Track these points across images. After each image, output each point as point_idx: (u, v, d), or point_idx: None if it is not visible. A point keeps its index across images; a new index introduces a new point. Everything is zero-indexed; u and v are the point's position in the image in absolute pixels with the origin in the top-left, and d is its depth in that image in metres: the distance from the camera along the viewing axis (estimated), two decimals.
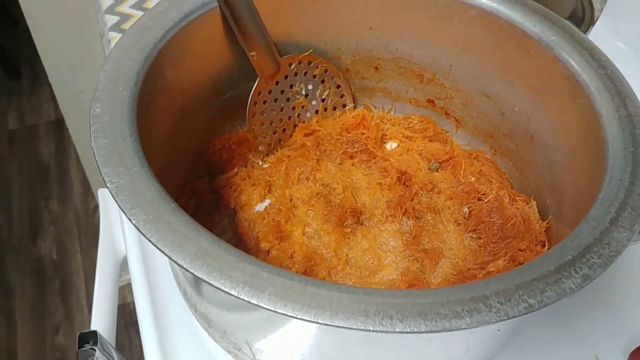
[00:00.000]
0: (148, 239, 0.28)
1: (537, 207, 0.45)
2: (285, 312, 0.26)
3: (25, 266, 1.41)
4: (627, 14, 0.71)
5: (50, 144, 1.70)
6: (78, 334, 0.46)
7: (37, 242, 1.52)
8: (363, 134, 0.51)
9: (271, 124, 0.51)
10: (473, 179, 0.48)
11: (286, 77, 0.50)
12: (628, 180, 0.32)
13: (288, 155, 0.50)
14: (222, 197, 0.48)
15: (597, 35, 0.72)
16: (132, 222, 0.28)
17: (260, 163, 0.51)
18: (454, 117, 0.53)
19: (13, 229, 1.48)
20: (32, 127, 1.77)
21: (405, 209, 0.46)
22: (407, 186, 0.48)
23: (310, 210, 0.46)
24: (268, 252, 0.44)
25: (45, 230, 1.55)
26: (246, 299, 0.26)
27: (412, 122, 0.54)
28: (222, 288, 0.26)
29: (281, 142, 0.52)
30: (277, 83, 0.50)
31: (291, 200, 0.47)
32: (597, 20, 0.73)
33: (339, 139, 0.50)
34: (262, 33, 0.45)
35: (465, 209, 0.46)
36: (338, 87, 0.53)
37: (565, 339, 0.45)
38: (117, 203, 0.29)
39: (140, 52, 0.37)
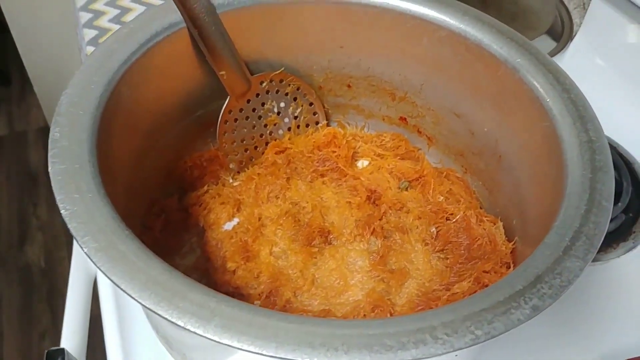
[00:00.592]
0: (98, 268, 0.28)
1: (505, 228, 0.45)
2: (230, 344, 0.26)
3: (13, 273, 1.41)
4: (605, 28, 0.71)
5: (39, 150, 1.70)
6: (45, 352, 0.45)
7: (24, 249, 1.51)
8: (334, 152, 0.51)
9: (242, 142, 0.51)
10: (442, 198, 0.48)
11: (258, 95, 0.50)
12: (584, 208, 0.32)
13: (258, 174, 0.50)
14: (192, 216, 0.48)
15: (576, 51, 0.72)
16: (83, 250, 0.28)
17: (231, 181, 0.51)
18: (426, 135, 0.53)
19: (1, 235, 1.47)
20: (21, 133, 1.77)
21: (374, 229, 0.46)
22: (377, 205, 0.48)
23: (279, 229, 0.46)
24: (234, 272, 0.44)
25: (33, 237, 1.54)
26: (192, 329, 0.26)
27: (384, 139, 0.54)
28: (169, 318, 0.26)
29: (253, 159, 0.52)
30: (248, 101, 0.50)
31: (260, 219, 0.47)
32: (575, 34, 0.74)
33: (310, 156, 0.50)
34: (231, 52, 0.45)
35: (433, 229, 0.46)
36: (311, 104, 0.53)
37: (533, 358, 0.45)
38: (70, 230, 0.29)
39: (104, 75, 0.37)
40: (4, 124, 1.75)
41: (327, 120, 0.55)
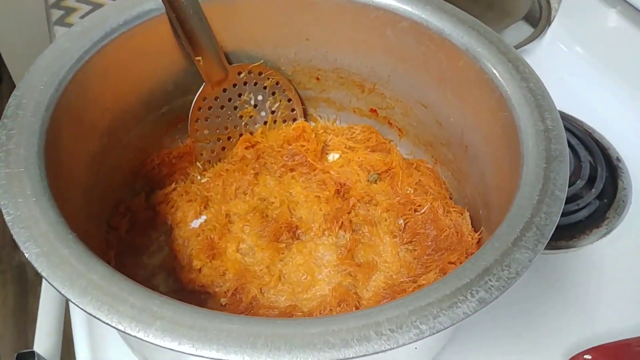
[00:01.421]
0: (39, 273, 0.27)
1: (472, 218, 0.45)
2: (171, 347, 0.25)
3: (7, 272, 1.41)
4: (584, 13, 0.71)
5: None
6: (15, 355, 0.45)
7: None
8: (303, 146, 0.51)
9: (216, 131, 0.51)
10: (410, 190, 0.48)
11: (235, 85, 0.49)
12: (537, 198, 0.32)
13: (227, 169, 0.49)
14: (159, 214, 0.48)
15: (554, 37, 0.72)
16: (25, 255, 0.28)
17: (199, 178, 0.50)
18: (397, 127, 0.53)
19: None
20: None
21: (342, 222, 0.46)
22: (345, 199, 0.48)
23: (246, 225, 0.46)
24: (200, 270, 0.43)
25: None
26: (133, 334, 0.26)
27: (355, 132, 0.53)
28: (110, 323, 0.26)
29: (225, 149, 0.52)
30: (224, 90, 0.49)
31: (227, 215, 0.47)
32: (553, 20, 0.73)
33: (279, 151, 0.50)
34: (209, 38, 0.44)
35: (401, 221, 0.46)
36: (289, 100, 0.53)
37: (503, 346, 0.45)
38: (13, 235, 0.29)
39: (54, 75, 0.37)
40: None
41: (304, 117, 0.54)
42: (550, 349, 0.45)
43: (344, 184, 0.49)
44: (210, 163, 0.51)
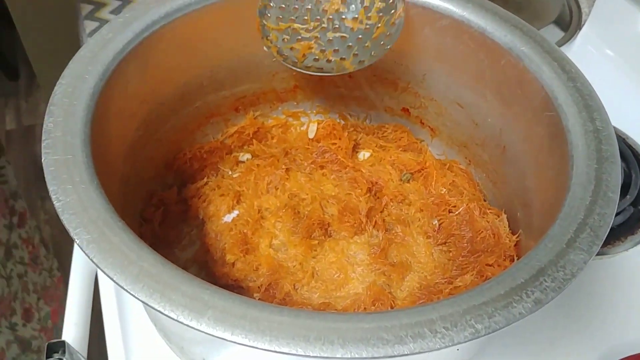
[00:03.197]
0: (91, 259, 0.27)
1: (509, 221, 0.44)
2: (223, 337, 0.25)
3: None
4: (615, 18, 0.70)
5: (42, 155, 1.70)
6: (46, 344, 0.45)
7: None
8: (334, 144, 0.50)
9: (290, 28, 0.42)
10: (444, 190, 0.47)
11: None
12: (589, 199, 0.32)
13: (257, 165, 0.49)
14: (191, 208, 0.47)
15: (584, 41, 0.71)
16: (75, 242, 0.28)
17: (230, 173, 0.50)
18: (429, 127, 0.52)
19: (12, 229, 1.48)
20: (29, 127, 1.77)
21: (375, 221, 0.46)
22: (378, 197, 0.47)
23: (278, 221, 0.46)
24: (233, 264, 0.43)
25: (41, 231, 1.54)
26: (185, 322, 0.25)
27: (386, 131, 0.53)
28: (162, 311, 0.26)
29: (296, 51, 0.42)
30: None
31: (259, 211, 0.46)
32: (584, 24, 0.72)
33: (308, 148, 0.50)
34: None
35: (435, 222, 0.46)
36: None
37: (537, 352, 0.44)
38: (62, 221, 0.29)
39: (98, 64, 0.36)
40: (12, 118, 1.75)
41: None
42: (585, 355, 0.44)
43: (376, 182, 0.49)
44: (278, 53, 0.43)
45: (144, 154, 0.44)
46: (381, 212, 0.47)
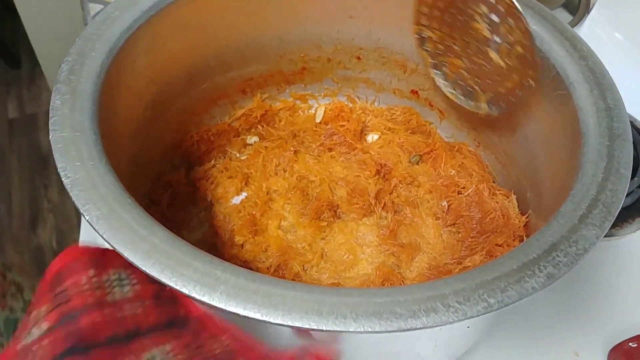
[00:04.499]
0: (100, 235, 0.27)
1: (518, 202, 0.44)
2: (237, 312, 0.25)
3: (25, 254, 1.41)
4: (623, 2, 0.69)
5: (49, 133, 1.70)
6: None
7: (36, 231, 1.51)
8: (343, 126, 0.50)
9: (442, 29, 0.43)
10: (453, 172, 0.47)
11: None
12: (601, 176, 0.31)
13: (265, 147, 0.49)
14: (199, 190, 0.47)
15: (593, 25, 0.70)
16: (85, 218, 0.28)
17: (238, 155, 0.50)
18: (438, 109, 0.52)
19: (13, 217, 1.48)
20: (31, 116, 1.76)
21: (384, 203, 0.45)
22: (387, 179, 0.47)
23: (287, 203, 0.45)
24: (242, 245, 0.43)
25: (44, 219, 1.54)
26: (198, 297, 0.25)
27: (395, 113, 0.52)
28: (174, 286, 0.26)
29: (445, 54, 0.44)
30: None
31: (268, 193, 0.46)
32: (592, 7, 0.71)
33: (316, 131, 0.49)
34: None
35: (444, 203, 0.45)
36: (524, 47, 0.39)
37: (544, 334, 0.44)
38: (72, 198, 0.28)
39: (105, 42, 0.36)
40: (14, 107, 1.75)
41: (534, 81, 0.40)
42: (591, 336, 0.44)
43: (385, 164, 0.48)
44: (433, 57, 0.45)
45: (152, 135, 0.44)
46: (390, 193, 0.46)
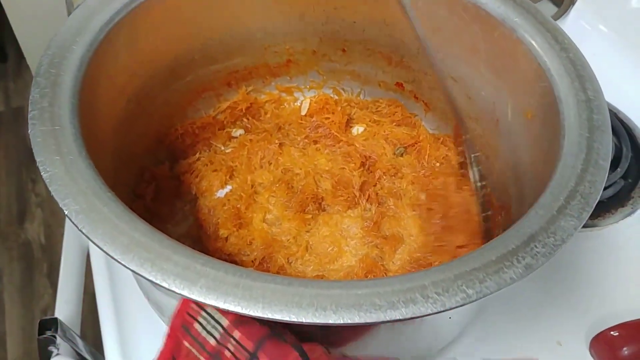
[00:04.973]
0: (80, 230, 0.27)
1: (501, 195, 0.44)
2: (217, 305, 0.25)
3: (13, 249, 1.39)
4: None
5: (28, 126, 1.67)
6: (38, 321, 0.45)
7: (24, 226, 1.50)
8: (327, 118, 0.50)
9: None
10: (438, 164, 0.47)
11: None
12: (580, 167, 0.32)
13: (250, 140, 0.49)
14: (184, 183, 0.47)
15: (578, 17, 0.70)
16: (64, 212, 0.28)
17: (223, 148, 0.50)
18: (423, 101, 0.52)
19: (0, 212, 1.47)
20: (18, 109, 1.74)
21: (368, 195, 0.46)
22: (371, 171, 0.47)
23: (272, 196, 0.45)
24: (227, 239, 0.43)
25: (32, 213, 1.53)
26: (177, 291, 0.25)
27: (380, 105, 0.53)
28: (153, 280, 0.26)
29: None
30: None
31: (253, 186, 0.46)
32: None
33: (301, 123, 0.49)
34: None
35: (423, 195, 0.46)
36: None
37: (526, 324, 0.44)
38: (51, 192, 0.28)
39: (86, 35, 0.36)
40: (1, 100, 1.72)
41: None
42: (573, 326, 0.44)
43: (369, 156, 0.48)
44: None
45: (135, 128, 0.43)
46: (374, 185, 0.47)
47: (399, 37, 0.49)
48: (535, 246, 0.28)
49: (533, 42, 0.39)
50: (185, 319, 0.29)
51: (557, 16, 0.69)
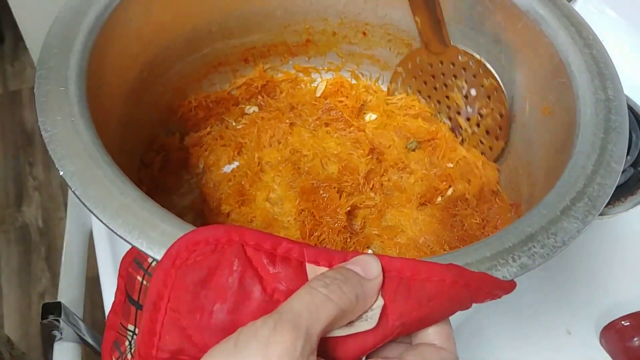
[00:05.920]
0: (72, 191, 0.27)
1: (512, 192, 0.43)
2: None
3: (11, 233, 1.33)
4: None
5: (34, 110, 1.58)
6: (42, 305, 0.45)
7: (22, 209, 1.45)
8: (341, 101, 0.49)
9: (417, 91, 0.49)
10: (451, 165, 0.46)
11: (452, 64, 0.45)
12: (591, 168, 0.30)
13: (262, 117, 0.48)
14: (192, 156, 0.47)
15: (586, 1, 0.68)
16: (60, 173, 0.28)
17: (234, 124, 0.49)
18: None
19: None
20: (15, 92, 1.68)
21: (373, 184, 0.45)
22: (380, 161, 0.46)
23: (277, 175, 0.45)
24: (228, 214, 0.43)
25: (30, 197, 1.48)
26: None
27: (397, 97, 0.51)
28: (139, 247, 0.26)
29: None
30: (441, 63, 0.46)
31: (259, 164, 0.46)
32: None
33: (314, 104, 0.49)
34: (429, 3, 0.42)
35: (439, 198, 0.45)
36: (500, 115, 0.44)
37: (535, 312, 0.44)
38: (49, 152, 0.28)
39: (100, 1, 0.36)
40: None
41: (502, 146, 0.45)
42: (583, 315, 0.44)
43: (377, 147, 0.47)
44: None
45: (147, 97, 0.43)
46: (381, 176, 0.46)
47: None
48: (534, 246, 0.27)
49: (556, 36, 0.38)
50: (138, 253, 0.28)
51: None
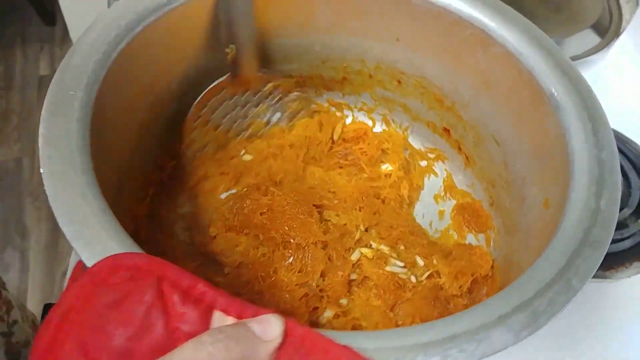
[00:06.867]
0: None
1: (508, 267, 0.41)
2: None
3: (42, 210, 1.33)
4: None
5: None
6: (43, 305, 0.47)
7: None
8: (362, 149, 0.50)
9: (217, 128, 0.48)
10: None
11: (256, 94, 0.47)
12: (547, 281, 0.29)
13: (274, 154, 0.49)
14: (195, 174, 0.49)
15: (621, 49, 0.64)
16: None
17: (242, 153, 0.50)
18: (465, 154, 0.50)
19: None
20: None
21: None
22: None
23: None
24: (214, 237, 0.44)
25: None
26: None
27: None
28: (82, 258, 0.27)
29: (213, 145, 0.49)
30: (244, 92, 0.47)
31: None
32: (623, 31, 0.63)
33: (332, 147, 0.49)
34: (249, 32, 0.44)
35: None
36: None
37: None
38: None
39: (120, 28, 0.38)
40: (46, 64, 1.64)
41: None
42: None
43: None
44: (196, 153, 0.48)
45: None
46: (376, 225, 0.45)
47: (454, 82, 0.47)
48: (451, 347, 0.26)
49: (573, 132, 0.36)
50: None
51: (599, 47, 0.62)
